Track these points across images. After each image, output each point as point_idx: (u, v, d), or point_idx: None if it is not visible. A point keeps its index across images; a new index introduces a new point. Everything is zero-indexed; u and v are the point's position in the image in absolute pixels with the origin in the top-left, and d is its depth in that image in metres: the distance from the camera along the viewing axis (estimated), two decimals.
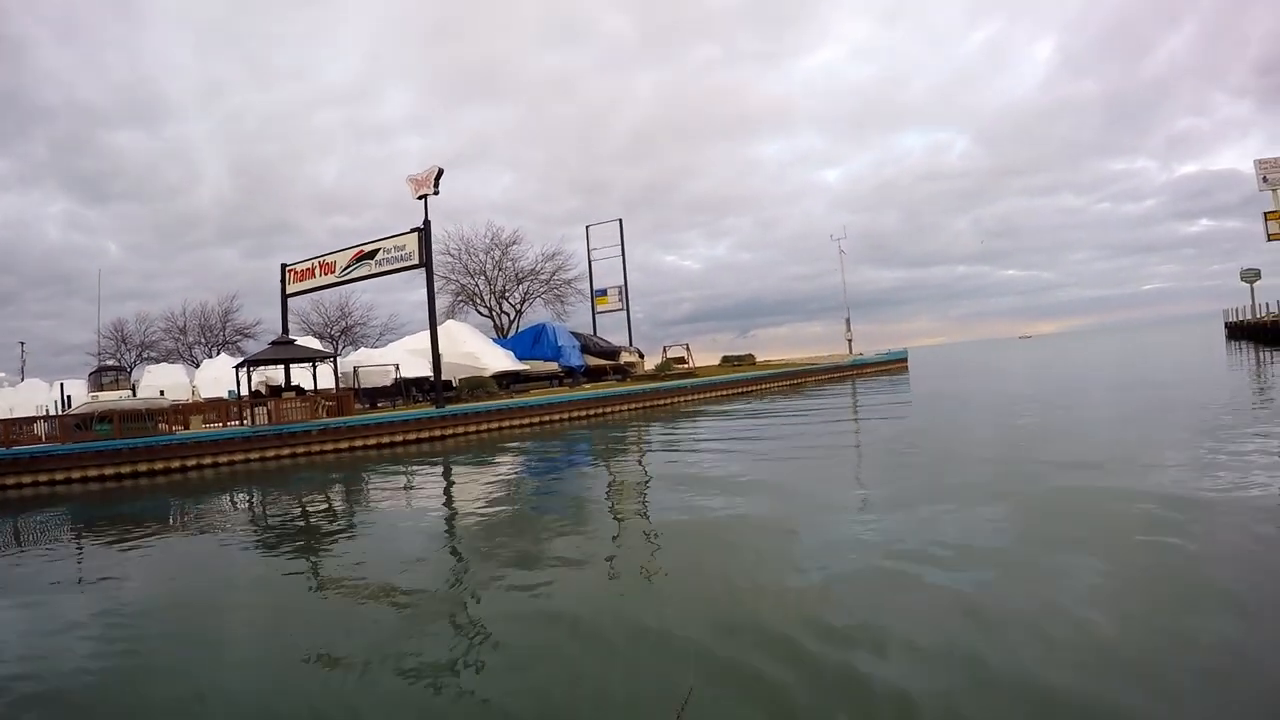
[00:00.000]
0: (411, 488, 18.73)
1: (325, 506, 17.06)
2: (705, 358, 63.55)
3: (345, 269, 35.68)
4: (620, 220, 57.16)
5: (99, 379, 36.10)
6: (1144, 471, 11.93)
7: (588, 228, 58.94)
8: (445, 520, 14.06)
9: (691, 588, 7.96)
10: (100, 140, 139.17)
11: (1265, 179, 65.24)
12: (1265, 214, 66.11)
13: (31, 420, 27.68)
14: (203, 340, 67.64)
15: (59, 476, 23.59)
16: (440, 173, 32.59)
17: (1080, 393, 28.87)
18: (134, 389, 35.55)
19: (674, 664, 5.94)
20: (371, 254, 34.60)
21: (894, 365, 68.71)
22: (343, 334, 68.22)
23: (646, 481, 16.49)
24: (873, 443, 19.49)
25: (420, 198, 32.74)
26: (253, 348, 60.39)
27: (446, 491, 17.61)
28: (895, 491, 12.30)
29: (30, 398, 37.59)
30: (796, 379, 54.98)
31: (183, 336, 68.55)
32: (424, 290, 34.22)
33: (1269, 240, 66.01)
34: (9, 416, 29.24)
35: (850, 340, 75.94)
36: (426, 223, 32.87)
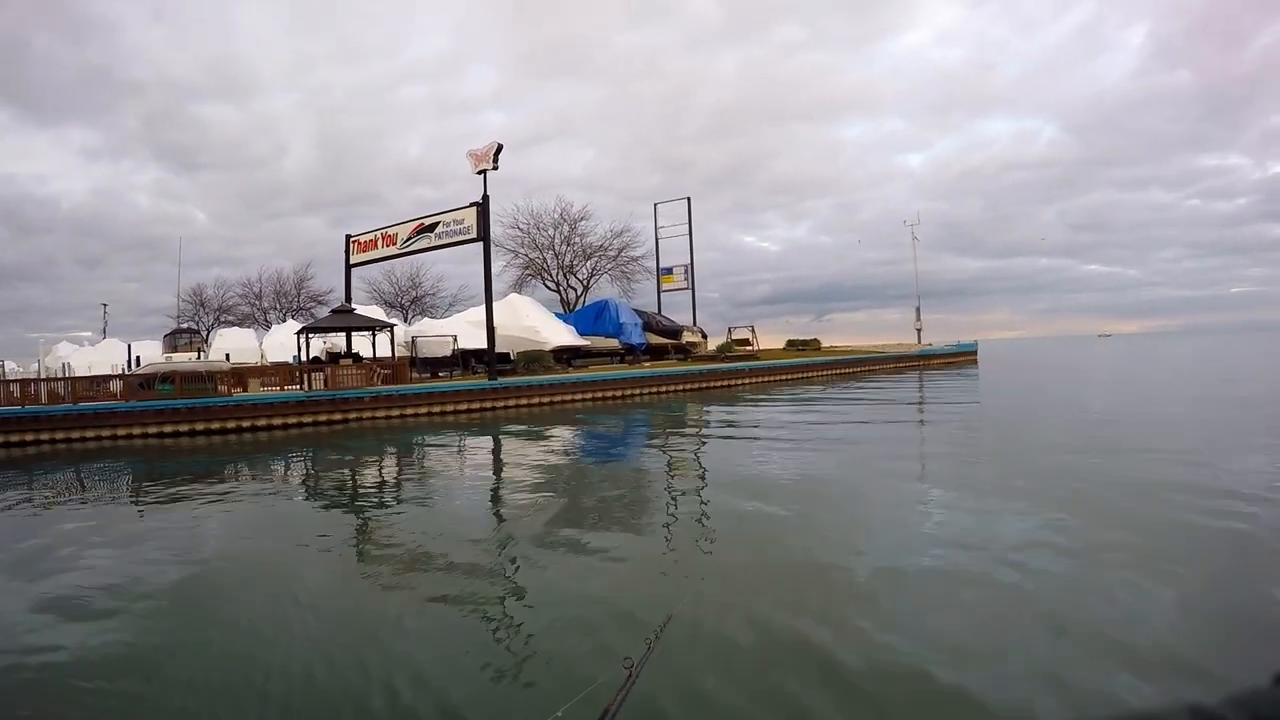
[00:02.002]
0: (459, 457, 19.02)
1: (373, 472, 17.50)
2: (772, 340, 63.02)
3: (406, 241, 36.31)
4: (689, 199, 56.91)
5: (173, 341, 37.47)
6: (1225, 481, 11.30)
7: (655, 206, 58.82)
8: (488, 490, 14.26)
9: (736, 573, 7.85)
10: (190, 113, 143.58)
11: None
12: None
13: (108, 378, 28.84)
14: (277, 306, 69.50)
15: (120, 432, 24.52)
16: (499, 148, 32.83)
17: (1170, 405, 24.97)
18: (205, 351, 36.77)
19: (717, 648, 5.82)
20: (431, 227, 35.11)
21: (962, 358, 66.87)
22: (413, 303, 69.38)
23: (688, 464, 16.41)
24: (926, 444, 19.11)
25: (479, 172, 33.03)
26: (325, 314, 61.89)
27: (492, 462, 17.84)
28: (948, 494, 11.79)
29: (108, 357, 39.07)
30: (859, 367, 54.10)
31: (258, 302, 70.65)
32: (496, 262, 34.68)
33: None
34: (86, 375, 30.55)
35: (919, 329, 74.52)
36: (485, 197, 33.18)
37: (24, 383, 26.70)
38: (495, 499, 13.11)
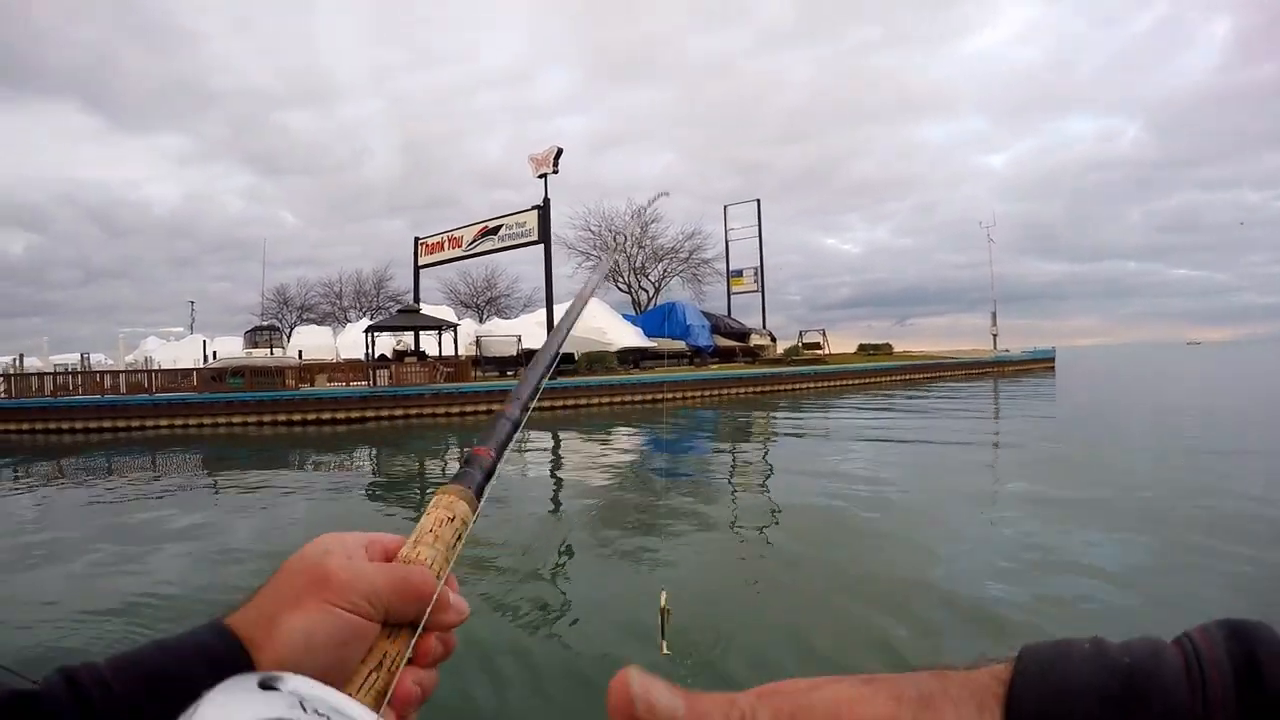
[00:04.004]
0: (517, 454, 19.30)
1: (424, 464, 18.14)
2: (846, 345, 62.53)
3: (471, 243, 37.27)
4: (758, 202, 56.89)
5: (253, 337, 38.96)
6: None
7: (725, 208, 58.86)
8: (546, 486, 14.58)
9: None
10: (274, 120, 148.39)
11: None
12: None
13: (189, 372, 30.21)
14: (357, 305, 71.54)
15: (193, 421, 25.68)
16: (559, 152, 33.44)
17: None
18: (283, 348, 38.14)
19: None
20: (495, 230, 35.97)
21: (1038, 364, 65.09)
22: (488, 304, 70.67)
23: (748, 467, 16.42)
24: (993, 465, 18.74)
25: (540, 176, 33.71)
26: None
27: (545, 461, 18.08)
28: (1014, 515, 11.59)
29: (191, 351, 40.73)
30: (931, 373, 53.08)
31: (338, 301, 72.84)
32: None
33: None
34: (167, 368, 32.07)
35: (995, 335, 73.04)
36: (546, 200, 33.84)
37: (106, 374, 28.21)
38: (544, 497, 13.29)
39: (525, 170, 34.86)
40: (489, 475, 0.74)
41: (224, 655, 0.55)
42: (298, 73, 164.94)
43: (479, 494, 0.74)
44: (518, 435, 0.82)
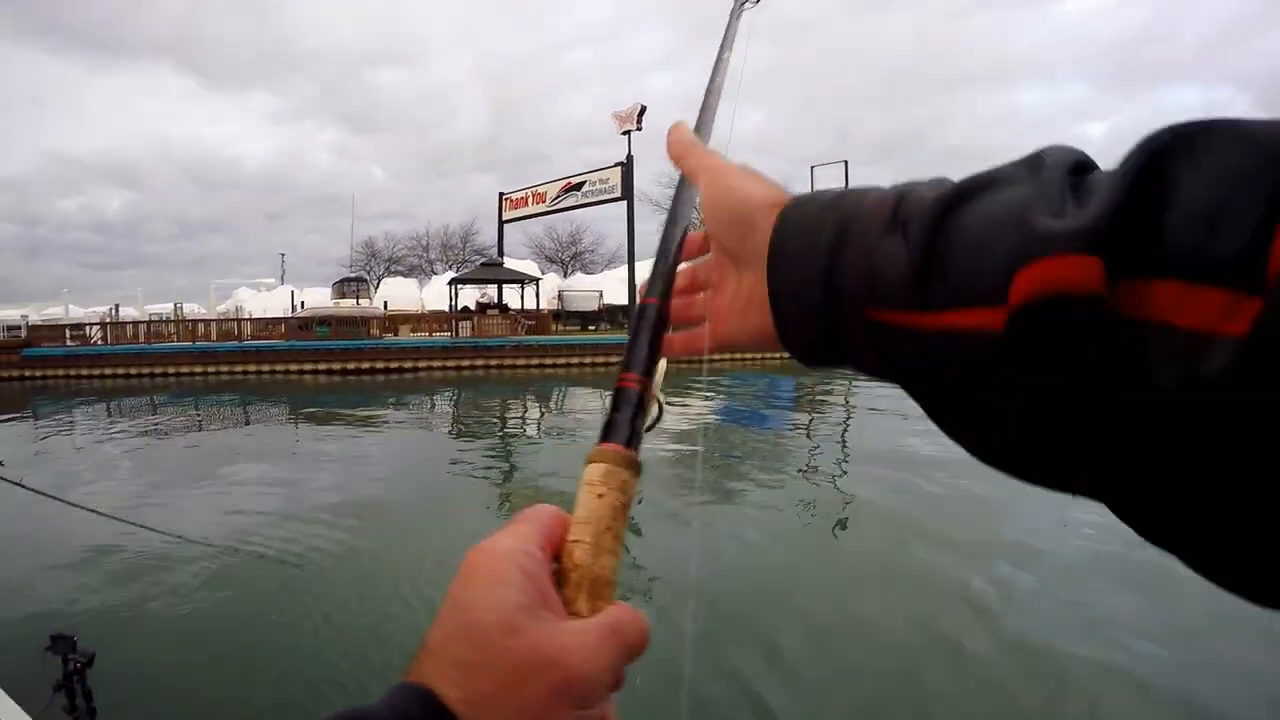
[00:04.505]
0: (584, 410, 19.03)
1: (500, 419, 18.07)
2: None
3: (555, 199, 37.17)
4: (845, 163, 55.23)
5: (341, 288, 39.51)
6: None
7: (812, 169, 57.66)
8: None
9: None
10: (364, 78, 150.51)
11: None
12: None
13: (280, 320, 30.97)
14: (444, 258, 72.18)
15: (279, 368, 26.27)
16: (643, 110, 33.01)
17: None
18: (371, 298, 38.77)
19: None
20: (578, 186, 35.79)
21: None
22: (573, 259, 70.71)
23: (818, 436, 15.95)
24: None
25: (624, 133, 33.38)
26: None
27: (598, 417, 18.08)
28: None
29: (281, 301, 41.68)
30: None
31: (425, 254, 73.62)
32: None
33: None
34: (260, 317, 32.90)
35: None
36: (629, 157, 33.47)
37: (199, 322, 29.04)
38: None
39: (613, 127, 34.57)
40: (639, 411, 0.52)
41: None
42: (387, 31, 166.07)
43: (633, 443, 0.53)
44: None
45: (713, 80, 0.77)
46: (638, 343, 0.58)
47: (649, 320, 0.59)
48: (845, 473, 11.21)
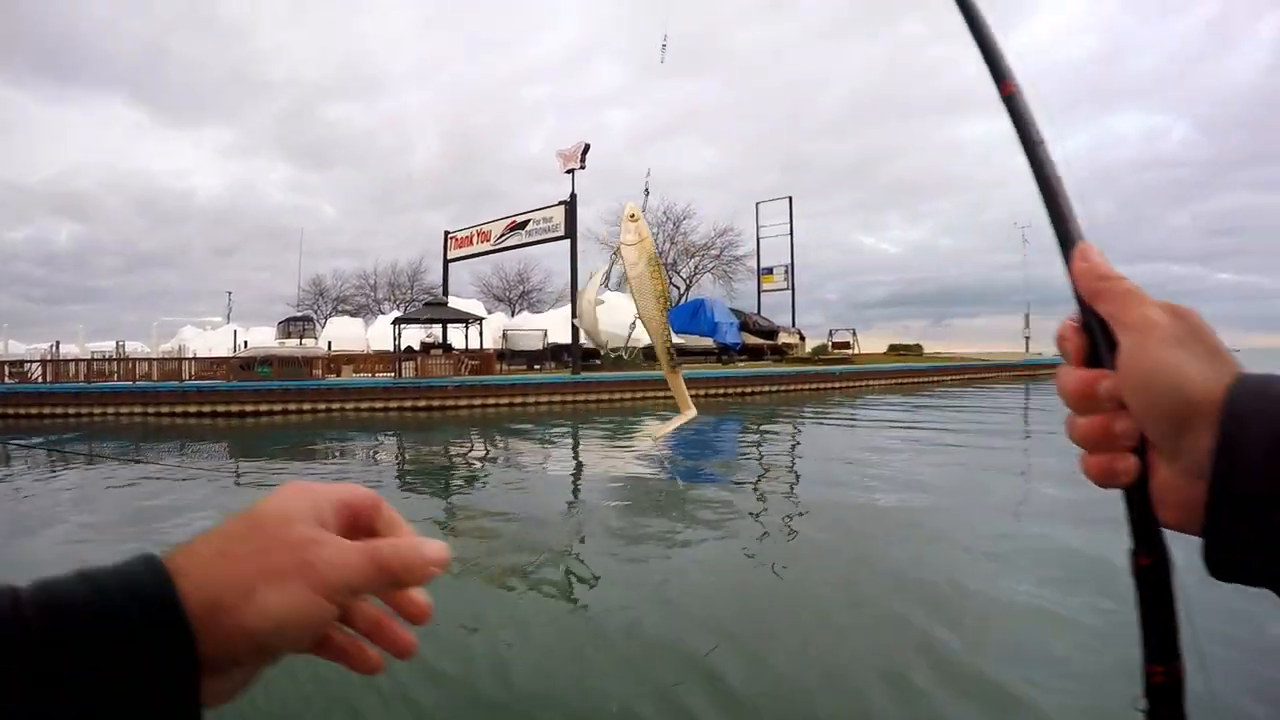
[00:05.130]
0: (535, 450, 19.42)
1: (450, 457, 18.19)
2: (878, 344, 62.35)
3: (499, 238, 37.78)
4: (789, 199, 56.94)
5: (286, 327, 39.60)
6: None
7: (758, 205, 58.97)
8: (551, 483, 14.45)
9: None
10: (319, 112, 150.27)
11: None
12: None
13: (224, 360, 31.03)
14: (391, 297, 72.59)
15: (220, 409, 26.34)
16: (587, 148, 33.79)
17: None
18: (315, 338, 38.85)
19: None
20: (522, 224, 36.44)
21: None
22: (520, 298, 71.32)
23: (753, 468, 16.41)
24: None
25: (568, 171, 34.09)
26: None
27: (563, 454, 18.51)
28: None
29: (227, 340, 41.71)
30: (960, 374, 52.66)
31: (372, 293, 73.96)
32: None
33: None
34: (201, 357, 32.93)
35: (1028, 338, 72.43)
36: (573, 196, 34.18)
37: (141, 361, 29.07)
38: (558, 493, 13.37)
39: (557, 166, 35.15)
40: None
41: (157, 601, 0.47)
42: (345, 64, 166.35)
43: None
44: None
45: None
46: None
47: None
48: (799, 511, 11.39)
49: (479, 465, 16.92)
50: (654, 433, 2.70)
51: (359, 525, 0.57)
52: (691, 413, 1.62)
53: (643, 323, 1.71)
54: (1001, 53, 0.91)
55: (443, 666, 5.37)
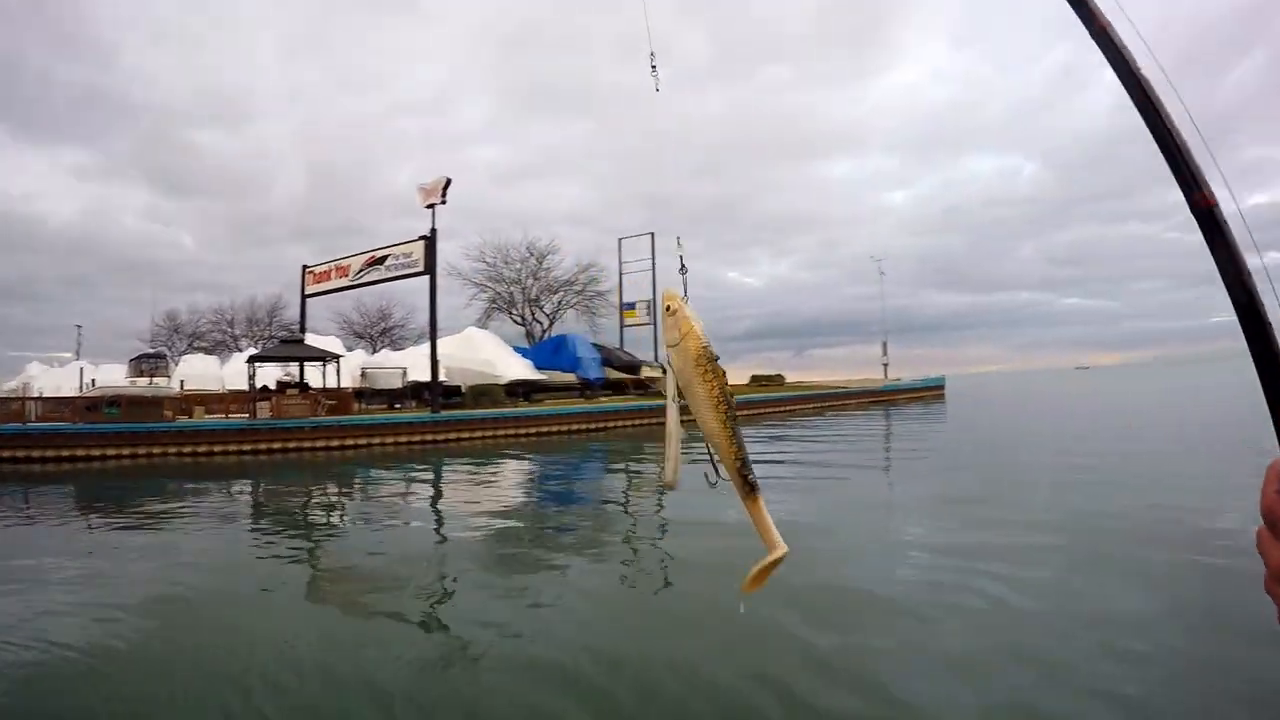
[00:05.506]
0: (393, 492, 19.54)
1: (309, 501, 18.17)
2: (740, 375, 63.98)
3: (358, 273, 37.69)
4: (652, 235, 58.11)
5: (138, 365, 38.51)
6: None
7: (620, 240, 60.00)
8: (414, 525, 14.46)
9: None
10: (183, 138, 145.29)
11: None
12: None
13: (70, 400, 29.99)
14: (249, 334, 70.88)
15: (65, 453, 25.63)
16: (448, 183, 34.12)
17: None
18: (168, 377, 37.82)
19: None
20: (381, 260, 36.47)
21: (929, 392, 68.42)
22: (381, 335, 70.59)
23: (613, 502, 17.11)
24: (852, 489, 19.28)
25: (428, 207, 34.33)
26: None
27: (425, 495, 18.63)
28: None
29: (73, 378, 40.16)
30: (821, 402, 54.95)
31: (229, 329, 72.12)
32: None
33: None
34: (47, 396, 31.72)
35: (886, 365, 75.95)
36: (433, 231, 34.49)
37: None
38: (422, 533, 13.39)
39: (419, 200, 35.09)
40: None
41: None
42: (210, 89, 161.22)
43: None
44: None
45: None
46: None
47: None
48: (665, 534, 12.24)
49: (339, 508, 17.01)
50: (745, 581, 1.28)
51: None
52: (781, 550, 1.29)
53: (706, 439, 1.41)
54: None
55: (315, 703, 5.67)
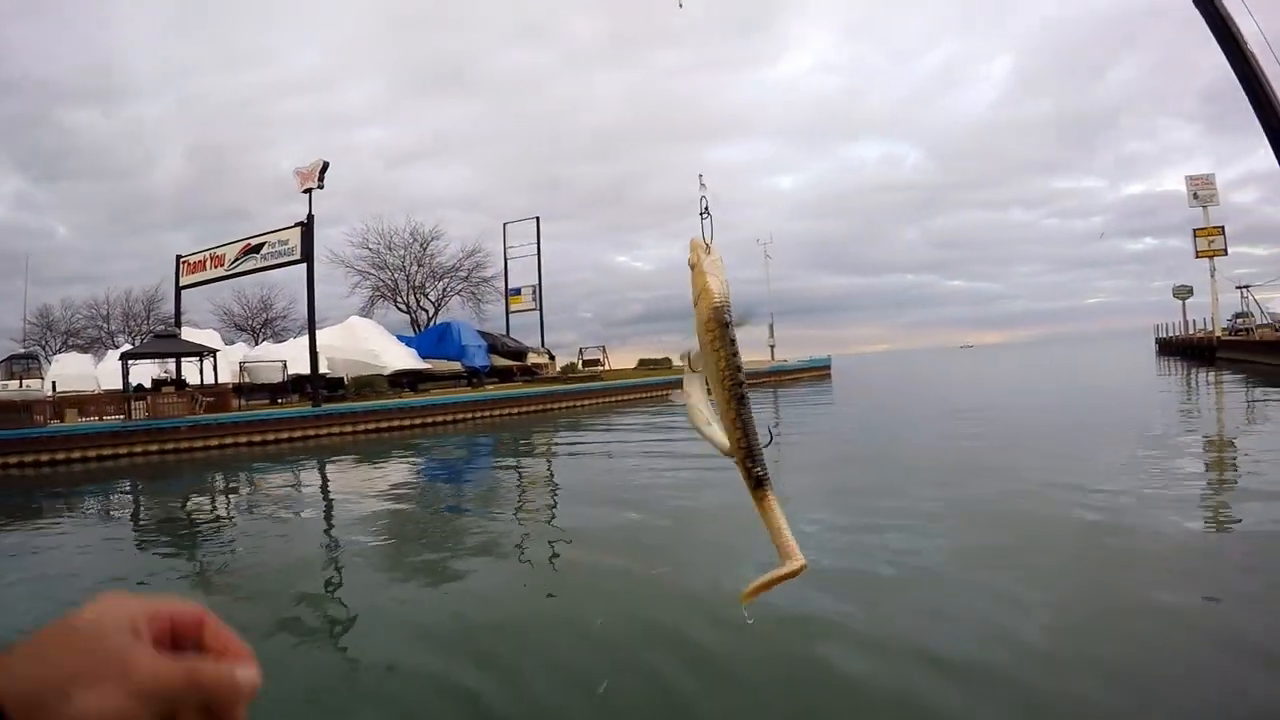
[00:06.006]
0: (276, 491, 19.23)
1: (189, 505, 17.90)
2: (630, 360, 64.89)
3: (234, 262, 36.81)
4: (537, 219, 58.63)
5: (9, 367, 36.89)
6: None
7: (505, 225, 60.23)
8: (305, 521, 14.73)
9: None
10: (55, 117, 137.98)
11: (1195, 195, 65.71)
12: (1195, 231, 66.72)
13: None
14: (126, 329, 68.52)
15: None
16: (325, 166, 33.43)
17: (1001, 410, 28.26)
18: (40, 378, 36.57)
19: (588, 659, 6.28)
20: (258, 248, 35.67)
21: (815, 372, 70.73)
22: (263, 326, 69.16)
23: (500, 486, 17.85)
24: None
25: (305, 191, 33.89)
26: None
27: (311, 493, 18.76)
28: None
29: None
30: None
31: (105, 324, 69.74)
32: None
33: (1196, 257, 66.50)
34: None
35: (772, 346, 77.88)
36: (310, 217, 34.08)
37: None
38: (310, 532, 13.46)
39: (295, 185, 34.15)
40: None
41: None
42: (88, 64, 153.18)
43: None
44: None
45: None
46: None
47: None
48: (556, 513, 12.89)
49: (220, 511, 16.81)
50: (746, 591, 1.16)
51: (182, 639, 0.63)
52: (794, 564, 1.14)
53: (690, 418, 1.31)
54: None
55: None
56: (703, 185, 1.39)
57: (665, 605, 7.48)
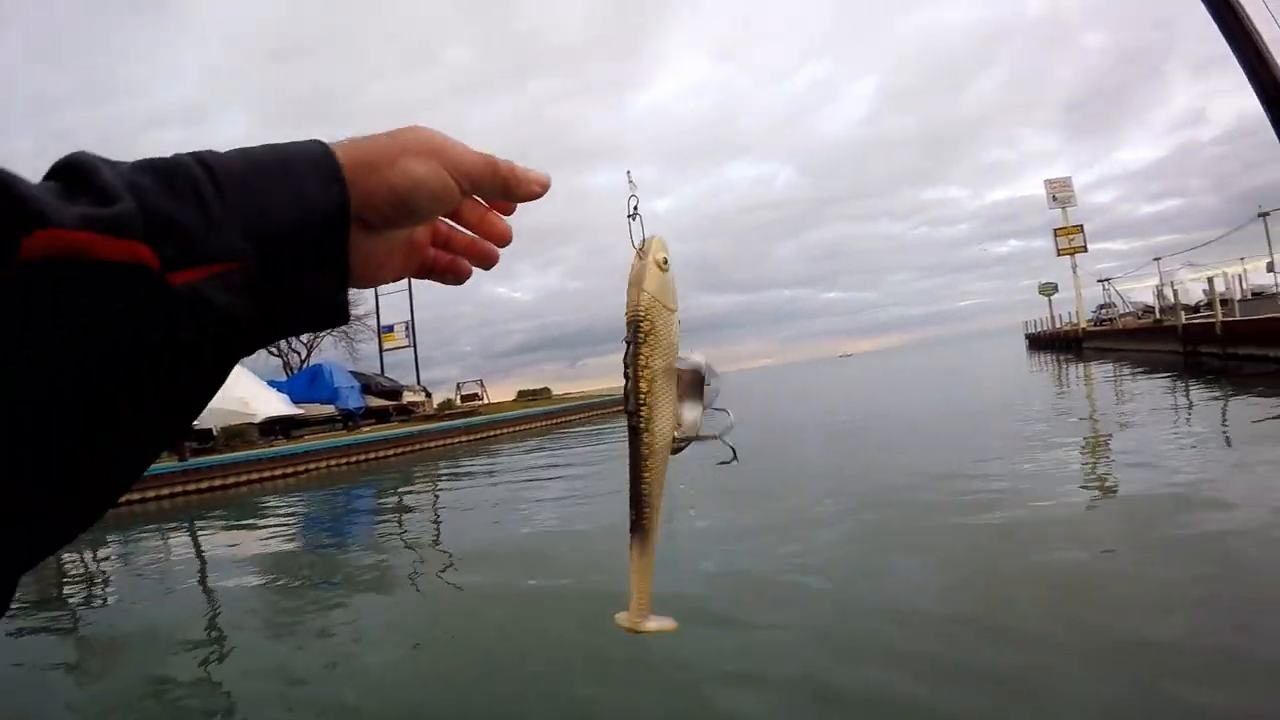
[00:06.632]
0: (146, 557, 17.65)
1: (40, 582, 15.32)
2: (510, 392, 63.93)
3: None
4: None
5: None
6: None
7: None
8: (176, 591, 13.34)
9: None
10: None
11: (1054, 197, 69.09)
12: (1055, 231, 70.13)
13: None
14: None
15: None
16: None
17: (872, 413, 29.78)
18: None
19: None
20: None
21: None
22: None
23: (393, 529, 17.09)
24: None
25: None
26: None
27: (183, 558, 17.36)
28: None
29: None
30: (587, 412, 55.41)
31: None
32: None
33: (1059, 255, 69.77)
34: None
35: None
36: None
37: None
38: (172, 604, 12.30)
39: None
40: None
41: (319, 155, 0.64)
42: None
43: None
44: None
45: None
46: None
47: None
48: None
49: (85, 584, 15.17)
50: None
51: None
52: (656, 625, 0.92)
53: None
54: None
55: None
56: (631, 183, 1.12)
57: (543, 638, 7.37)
